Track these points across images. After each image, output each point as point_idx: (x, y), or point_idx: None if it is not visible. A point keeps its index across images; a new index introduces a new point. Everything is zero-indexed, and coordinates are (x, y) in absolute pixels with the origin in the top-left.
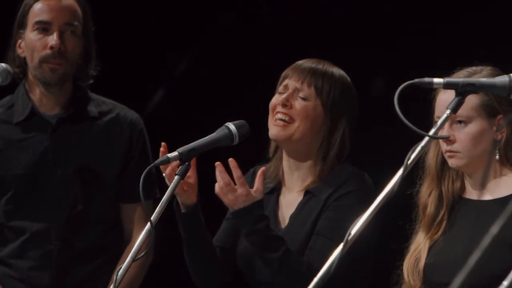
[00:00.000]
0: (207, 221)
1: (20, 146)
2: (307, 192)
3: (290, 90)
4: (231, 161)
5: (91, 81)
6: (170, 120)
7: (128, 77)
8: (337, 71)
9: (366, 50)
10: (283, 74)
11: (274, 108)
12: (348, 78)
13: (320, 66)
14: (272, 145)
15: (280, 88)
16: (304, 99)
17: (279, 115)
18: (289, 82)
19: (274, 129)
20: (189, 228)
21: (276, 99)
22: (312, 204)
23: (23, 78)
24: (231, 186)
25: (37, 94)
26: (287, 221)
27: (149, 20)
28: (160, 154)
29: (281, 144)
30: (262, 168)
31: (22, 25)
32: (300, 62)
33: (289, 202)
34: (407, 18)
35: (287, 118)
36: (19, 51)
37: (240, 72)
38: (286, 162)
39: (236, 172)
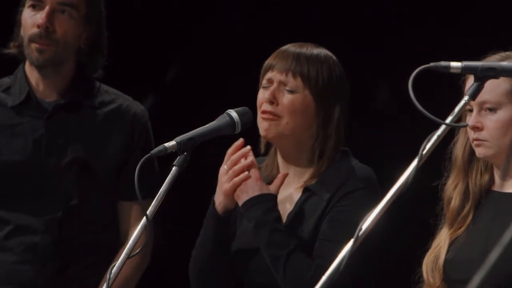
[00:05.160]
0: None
1: (12, 132)
2: (306, 190)
3: (275, 84)
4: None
5: (100, 71)
6: (161, 126)
7: (118, 83)
8: (322, 52)
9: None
10: (265, 65)
11: (261, 104)
12: (334, 58)
13: (303, 50)
14: (263, 141)
15: (264, 82)
16: (291, 91)
17: (265, 115)
18: (273, 74)
19: (262, 124)
20: (223, 234)
21: (262, 95)
22: (313, 204)
23: (24, 59)
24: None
25: (34, 78)
26: (284, 218)
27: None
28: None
29: (273, 141)
30: (285, 173)
31: (24, 3)
32: (282, 48)
33: (286, 199)
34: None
35: (274, 116)
36: (21, 30)
37: (234, 72)
38: (281, 158)
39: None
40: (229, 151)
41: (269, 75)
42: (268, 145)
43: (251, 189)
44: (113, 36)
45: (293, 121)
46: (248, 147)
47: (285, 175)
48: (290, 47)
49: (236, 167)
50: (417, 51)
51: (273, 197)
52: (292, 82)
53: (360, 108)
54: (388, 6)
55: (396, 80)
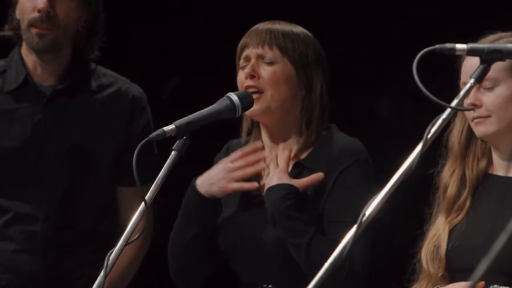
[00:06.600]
0: None
1: (10, 118)
2: (298, 164)
3: (253, 60)
4: None
5: (96, 53)
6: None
7: None
8: (295, 27)
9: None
10: (239, 45)
11: (242, 84)
12: (309, 33)
13: (276, 26)
14: (245, 128)
15: (241, 62)
16: (270, 63)
17: (249, 89)
18: (249, 51)
19: None
20: (208, 216)
21: (242, 75)
22: None
23: (20, 42)
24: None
25: (31, 61)
26: None
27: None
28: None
29: (261, 119)
30: (320, 174)
31: None
32: (253, 27)
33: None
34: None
35: (257, 90)
36: (16, 12)
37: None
38: (267, 138)
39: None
40: (247, 150)
41: (245, 53)
42: (249, 132)
43: (271, 180)
44: (112, 36)
45: (278, 92)
46: (265, 153)
47: (320, 176)
48: (261, 25)
49: (248, 170)
50: (417, 51)
51: (290, 187)
52: (270, 53)
53: (361, 111)
54: (388, 6)
55: (397, 80)
